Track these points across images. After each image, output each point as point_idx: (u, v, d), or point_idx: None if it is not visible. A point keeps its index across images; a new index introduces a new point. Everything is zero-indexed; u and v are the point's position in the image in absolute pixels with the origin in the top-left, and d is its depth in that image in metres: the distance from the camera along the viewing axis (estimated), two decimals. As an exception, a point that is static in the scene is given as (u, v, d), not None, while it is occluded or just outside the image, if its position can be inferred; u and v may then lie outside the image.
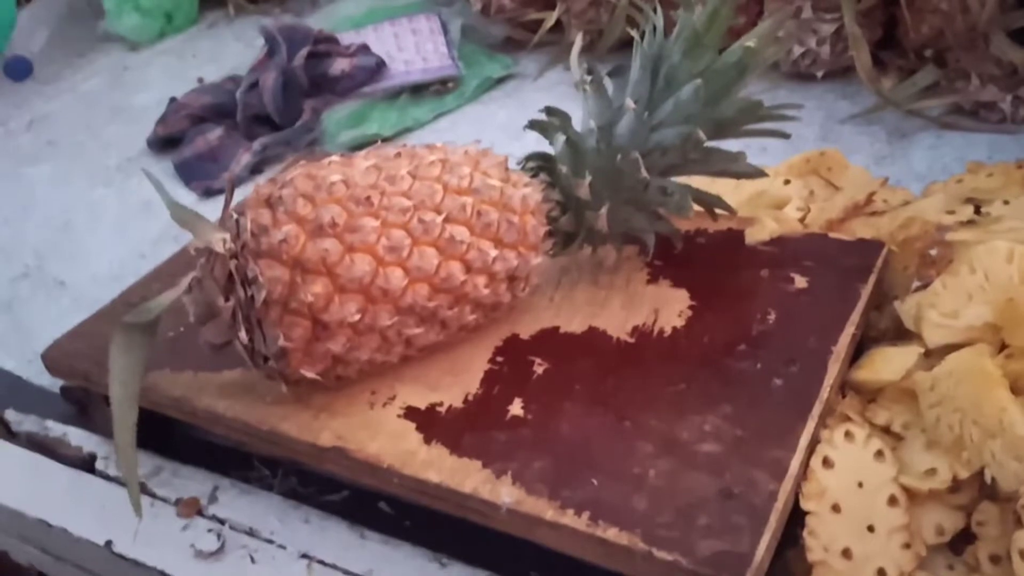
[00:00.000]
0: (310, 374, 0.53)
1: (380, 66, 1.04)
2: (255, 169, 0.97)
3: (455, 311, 0.55)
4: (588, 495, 0.48)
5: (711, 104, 0.57)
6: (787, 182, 0.76)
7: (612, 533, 0.46)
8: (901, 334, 0.58)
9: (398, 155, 0.56)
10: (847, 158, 0.78)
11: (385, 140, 0.98)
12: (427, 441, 0.53)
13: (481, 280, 0.55)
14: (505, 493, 0.49)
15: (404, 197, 0.53)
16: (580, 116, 0.61)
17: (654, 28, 0.58)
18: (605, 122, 0.58)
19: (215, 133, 1.00)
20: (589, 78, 0.57)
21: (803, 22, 0.94)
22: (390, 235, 0.52)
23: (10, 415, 0.70)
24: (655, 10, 0.60)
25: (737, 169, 0.60)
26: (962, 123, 0.87)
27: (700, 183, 0.62)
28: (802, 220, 0.70)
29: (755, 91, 0.95)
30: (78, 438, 0.67)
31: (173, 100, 1.08)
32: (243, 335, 0.52)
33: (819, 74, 0.97)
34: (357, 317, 0.52)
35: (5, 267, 0.90)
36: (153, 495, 0.61)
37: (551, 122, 0.59)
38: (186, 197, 0.96)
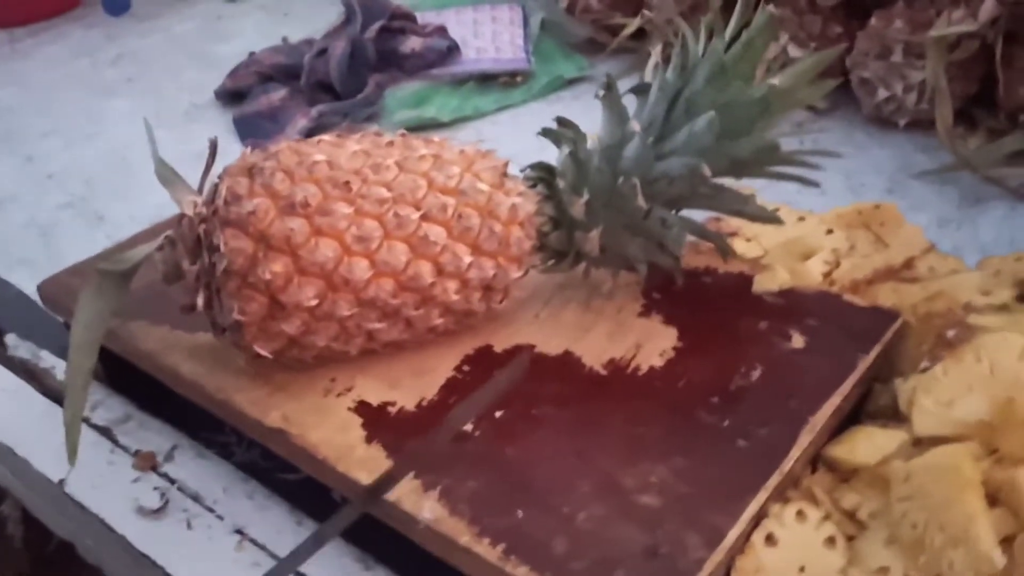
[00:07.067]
0: (263, 352, 0.52)
1: (452, 50, 1.03)
2: (310, 135, 0.97)
3: (421, 312, 0.53)
4: (509, 526, 0.46)
5: (728, 139, 0.53)
6: (830, 231, 0.71)
7: (522, 572, 0.44)
8: (898, 415, 0.54)
9: (391, 143, 0.54)
10: (911, 215, 0.73)
11: (442, 126, 0.97)
12: (369, 440, 0.51)
13: (452, 285, 0.53)
14: (427, 508, 0.47)
15: (385, 187, 0.51)
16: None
17: (683, 47, 0.54)
18: (614, 141, 0.55)
19: (279, 93, 1.01)
20: (602, 92, 0.54)
21: (892, 66, 0.89)
22: (361, 224, 0.51)
23: (10, 339, 0.71)
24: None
25: (748, 211, 0.56)
26: (1042, 198, 0.81)
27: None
28: (827, 275, 0.65)
29: (829, 129, 0.94)
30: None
31: (252, 55, 1.09)
32: (200, 301, 0.51)
33: (901, 123, 0.91)
34: (315, 302, 0.50)
35: (56, 193, 0.92)
36: (115, 442, 0.62)
37: (563, 133, 0.57)
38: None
